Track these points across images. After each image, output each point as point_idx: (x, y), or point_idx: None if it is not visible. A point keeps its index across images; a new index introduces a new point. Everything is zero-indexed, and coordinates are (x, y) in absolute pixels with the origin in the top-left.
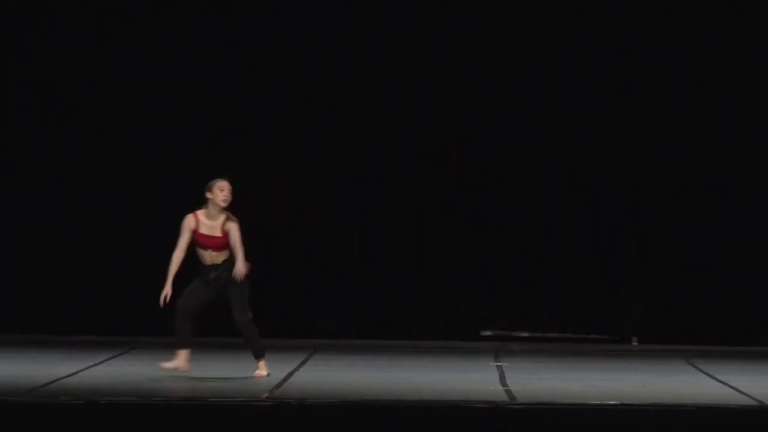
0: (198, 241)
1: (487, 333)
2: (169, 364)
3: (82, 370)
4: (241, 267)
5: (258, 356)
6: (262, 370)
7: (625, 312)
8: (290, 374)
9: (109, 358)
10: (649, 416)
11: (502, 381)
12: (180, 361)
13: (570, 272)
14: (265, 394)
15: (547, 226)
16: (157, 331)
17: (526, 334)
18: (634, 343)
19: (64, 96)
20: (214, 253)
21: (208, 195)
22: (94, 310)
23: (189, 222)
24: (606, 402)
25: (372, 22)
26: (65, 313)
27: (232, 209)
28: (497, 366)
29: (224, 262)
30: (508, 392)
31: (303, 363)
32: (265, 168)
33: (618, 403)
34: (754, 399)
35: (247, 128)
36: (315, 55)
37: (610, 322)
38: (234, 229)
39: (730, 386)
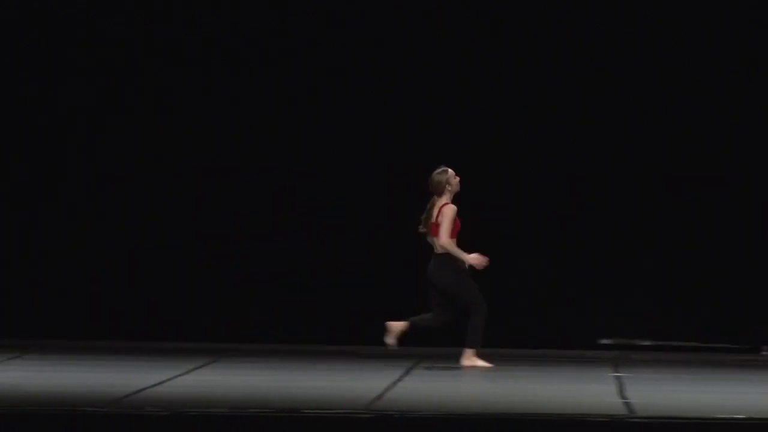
0: (457, 229)
1: (606, 341)
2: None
3: (169, 379)
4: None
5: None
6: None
7: (755, 319)
8: (393, 384)
9: (199, 367)
10: None
11: (621, 393)
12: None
13: (695, 276)
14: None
15: (669, 227)
16: (246, 339)
17: (648, 343)
18: (765, 353)
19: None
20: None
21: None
22: (184, 316)
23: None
24: (734, 416)
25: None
26: (152, 318)
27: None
28: (616, 377)
29: None
30: (628, 405)
31: (407, 372)
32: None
33: (747, 417)
34: None
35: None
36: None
37: (738, 330)
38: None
39: None
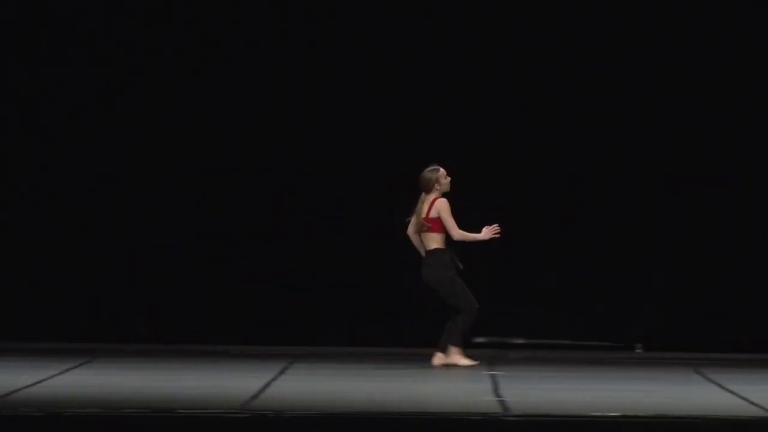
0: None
1: (481, 340)
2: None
3: (44, 380)
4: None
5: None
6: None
7: (629, 318)
8: (268, 384)
9: (73, 367)
10: (654, 428)
11: (496, 391)
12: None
13: (570, 275)
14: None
15: (545, 226)
16: (122, 339)
17: (522, 341)
18: (638, 351)
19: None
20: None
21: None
22: (58, 316)
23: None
24: (608, 413)
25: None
26: (27, 318)
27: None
28: (491, 375)
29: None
30: (502, 403)
31: (282, 371)
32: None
33: (621, 414)
34: (765, 410)
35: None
36: (314, 55)
37: (613, 329)
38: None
39: (740, 396)
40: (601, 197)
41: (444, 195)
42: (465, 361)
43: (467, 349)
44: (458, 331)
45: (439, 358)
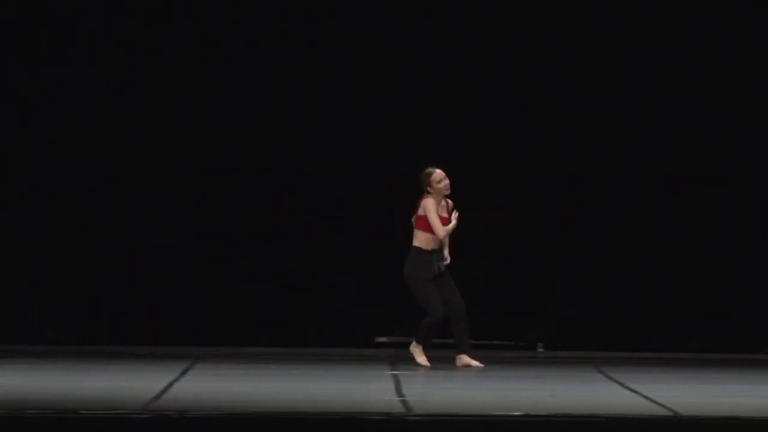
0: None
1: (383, 339)
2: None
3: None
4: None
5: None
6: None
7: (530, 317)
8: (170, 384)
9: None
10: (556, 427)
11: (398, 390)
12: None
13: (472, 275)
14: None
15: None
16: (28, 339)
17: None
18: (540, 350)
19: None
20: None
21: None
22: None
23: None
24: (510, 413)
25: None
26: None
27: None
28: (393, 375)
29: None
30: (404, 402)
31: (184, 372)
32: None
33: (523, 414)
34: (667, 408)
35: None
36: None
37: (514, 328)
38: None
39: (642, 395)
40: (506, 196)
41: (444, 198)
42: (423, 360)
43: (370, 348)
44: (424, 332)
45: (462, 360)
